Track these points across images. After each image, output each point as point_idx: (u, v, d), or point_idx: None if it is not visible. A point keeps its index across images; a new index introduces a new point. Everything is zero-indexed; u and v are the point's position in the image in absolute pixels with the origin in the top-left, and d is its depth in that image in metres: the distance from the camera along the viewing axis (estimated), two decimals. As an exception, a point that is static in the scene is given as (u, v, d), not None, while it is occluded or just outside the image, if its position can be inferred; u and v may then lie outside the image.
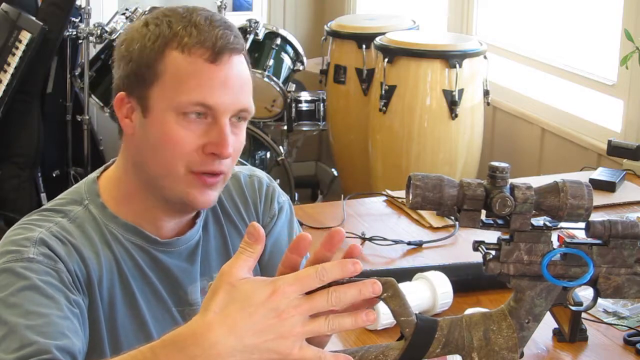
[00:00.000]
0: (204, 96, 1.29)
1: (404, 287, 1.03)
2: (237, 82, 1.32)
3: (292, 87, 4.01)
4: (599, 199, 2.35)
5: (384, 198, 2.42)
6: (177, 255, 1.40)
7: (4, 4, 3.78)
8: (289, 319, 0.94)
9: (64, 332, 1.20)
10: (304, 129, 4.11)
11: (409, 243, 2.09)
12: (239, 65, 1.33)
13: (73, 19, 3.97)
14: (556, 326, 1.58)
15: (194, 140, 1.30)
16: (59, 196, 1.41)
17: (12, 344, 1.17)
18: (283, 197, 1.54)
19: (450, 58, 3.39)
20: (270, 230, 1.50)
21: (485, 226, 1.06)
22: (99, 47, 4.08)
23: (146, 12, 3.92)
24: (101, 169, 1.43)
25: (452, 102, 3.39)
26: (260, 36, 3.91)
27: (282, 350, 0.95)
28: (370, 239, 2.09)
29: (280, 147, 3.99)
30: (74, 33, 3.96)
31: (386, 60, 3.46)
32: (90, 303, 1.31)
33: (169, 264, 1.39)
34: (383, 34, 3.66)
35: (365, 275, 1.28)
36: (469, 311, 1.48)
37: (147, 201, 1.37)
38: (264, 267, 1.43)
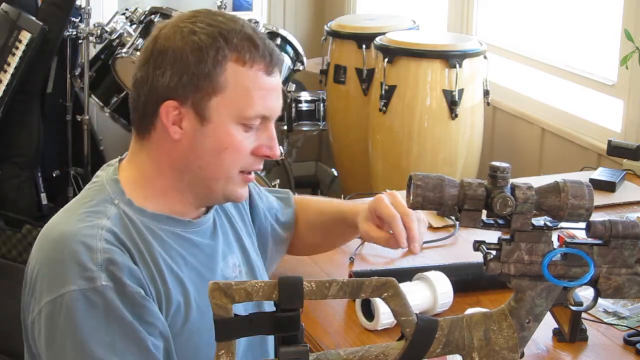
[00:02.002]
0: (266, 108, 1.40)
1: (403, 287, 1.03)
2: (281, 91, 1.44)
3: (292, 87, 4.00)
4: (599, 199, 2.35)
5: (384, 198, 2.42)
6: (202, 234, 1.48)
7: (4, 4, 3.78)
8: None
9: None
10: (304, 129, 4.10)
11: (409, 243, 2.08)
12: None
13: (73, 19, 3.96)
14: (556, 326, 1.58)
15: (249, 145, 1.41)
16: (81, 197, 1.45)
17: None
18: None
19: (450, 58, 3.38)
20: (255, 211, 1.68)
21: (486, 226, 1.06)
22: (99, 47, 4.08)
23: (146, 12, 3.93)
24: (113, 170, 1.47)
25: (452, 102, 3.39)
26: (260, 36, 3.90)
27: None
28: (371, 239, 2.08)
29: (280, 147, 3.99)
30: (74, 33, 3.96)
31: (386, 60, 3.46)
32: (158, 294, 1.38)
33: (199, 242, 1.47)
34: (383, 34, 3.66)
35: (366, 275, 1.27)
36: (469, 311, 1.48)
37: (182, 198, 1.45)
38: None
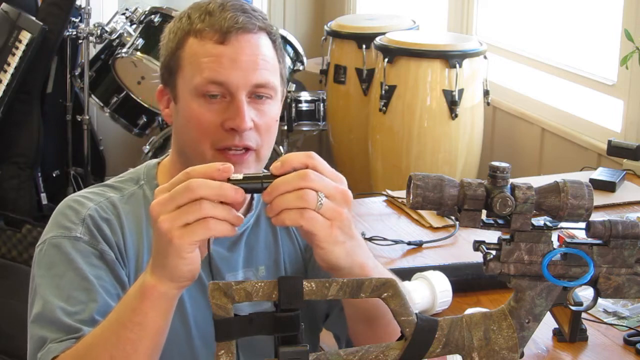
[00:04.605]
0: (215, 74, 1.37)
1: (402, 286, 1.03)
2: (249, 59, 1.38)
3: (292, 87, 4.00)
4: (599, 199, 2.35)
5: (384, 198, 2.42)
6: (219, 243, 1.44)
7: (4, 4, 3.78)
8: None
9: (95, 319, 1.29)
10: (304, 129, 4.10)
11: (409, 243, 2.09)
12: (252, 43, 1.38)
13: (73, 19, 3.97)
14: (556, 326, 1.58)
15: (214, 118, 1.37)
16: (122, 173, 1.51)
17: (47, 322, 1.29)
18: None
19: (450, 58, 3.39)
20: None
21: (486, 226, 1.06)
22: (99, 47, 4.08)
23: (146, 12, 3.93)
24: (164, 155, 1.52)
25: (452, 102, 3.39)
26: (261, 36, 3.90)
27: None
28: (370, 239, 2.09)
29: (280, 147, 3.99)
30: (74, 33, 3.96)
31: (386, 60, 3.46)
32: (131, 275, 1.39)
33: (210, 250, 1.42)
34: (383, 34, 3.66)
35: (366, 275, 1.25)
36: (469, 311, 1.48)
37: None
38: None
